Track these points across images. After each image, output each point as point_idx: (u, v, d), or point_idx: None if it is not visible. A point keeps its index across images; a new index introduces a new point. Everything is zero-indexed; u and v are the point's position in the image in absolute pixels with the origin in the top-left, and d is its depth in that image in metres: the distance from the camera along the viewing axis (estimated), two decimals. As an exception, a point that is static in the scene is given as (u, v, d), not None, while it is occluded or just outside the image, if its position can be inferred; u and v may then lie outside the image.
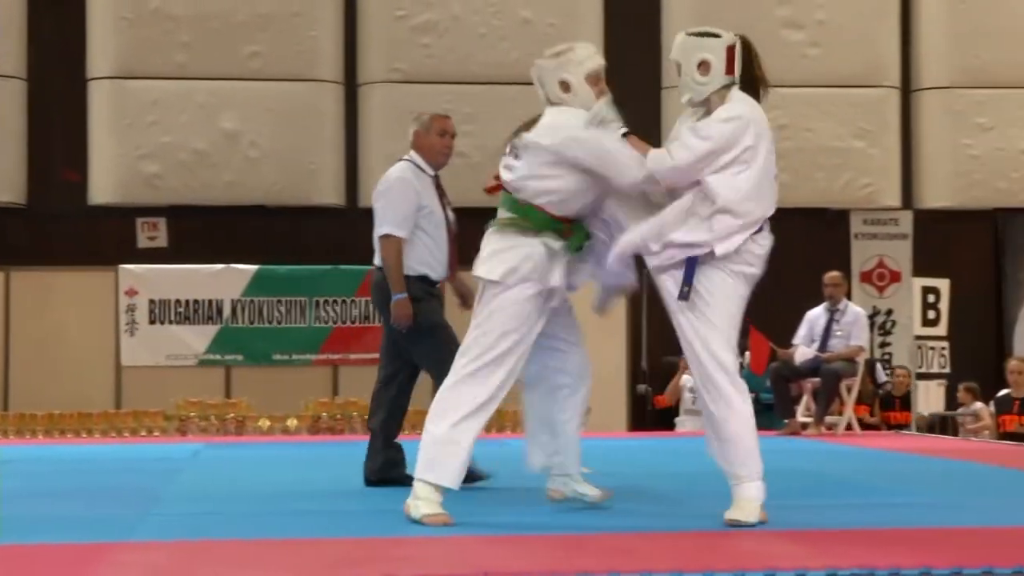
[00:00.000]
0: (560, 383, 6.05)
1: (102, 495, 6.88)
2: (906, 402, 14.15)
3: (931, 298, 15.15)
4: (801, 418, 12.12)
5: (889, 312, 15.96)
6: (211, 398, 13.74)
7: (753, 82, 5.66)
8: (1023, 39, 17.07)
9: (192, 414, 13.34)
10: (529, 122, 5.88)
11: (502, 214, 5.87)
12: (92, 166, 15.95)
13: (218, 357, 14.97)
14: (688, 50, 5.65)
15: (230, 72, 16.12)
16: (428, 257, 7.33)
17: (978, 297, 16.50)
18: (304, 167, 16.24)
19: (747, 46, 5.69)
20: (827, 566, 4.40)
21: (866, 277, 15.95)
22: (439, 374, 6.22)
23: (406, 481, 6.36)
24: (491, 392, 5.64)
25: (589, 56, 5.86)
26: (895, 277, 15.98)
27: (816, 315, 12.08)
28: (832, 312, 12.03)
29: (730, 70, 5.60)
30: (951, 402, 15.39)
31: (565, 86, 5.80)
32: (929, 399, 14.69)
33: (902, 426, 13.77)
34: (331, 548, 4.90)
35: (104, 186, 15.97)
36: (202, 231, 16.04)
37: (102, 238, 15.85)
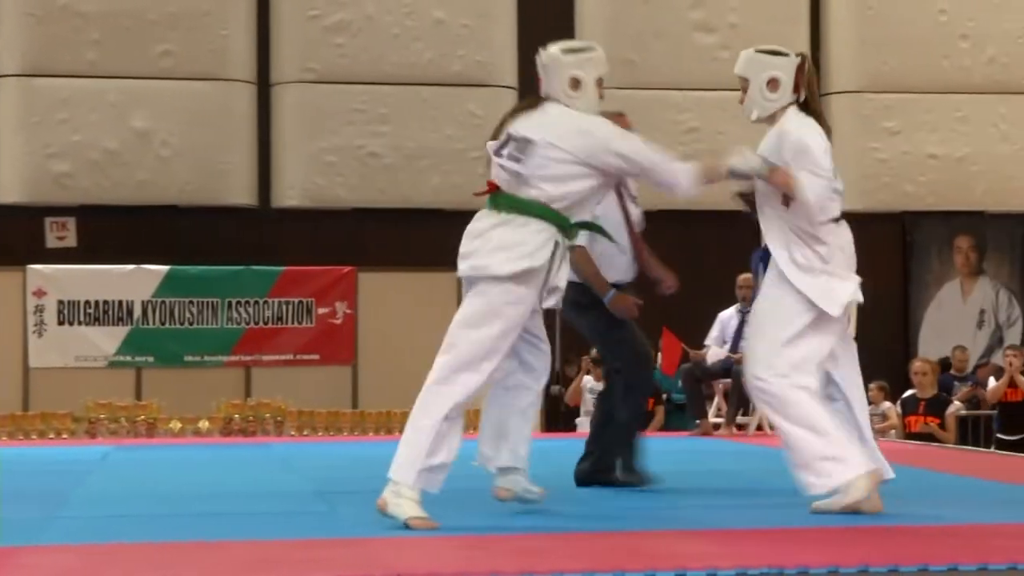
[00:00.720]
0: (522, 382, 5.91)
1: (9, 498, 6.76)
2: None
3: (841, 300, 15.31)
4: (713, 419, 12.19)
5: (800, 314, 16.11)
6: (121, 400, 13.59)
7: (809, 100, 5.90)
8: (928, 46, 17.33)
9: (102, 416, 13.18)
10: (515, 113, 5.77)
11: (502, 209, 5.63)
12: (0, 165, 15.71)
13: (128, 358, 14.81)
14: (757, 66, 5.88)
15: (141, 71, 15.98)
16: (605, 262, 6.99)
17: (886, 299, 16.70)
18: (216, 167, 16.12)
19: (805, 66, 5.86)
20: (737, 565, 4.43)
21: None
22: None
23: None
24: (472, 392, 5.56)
25: (603, 60, 5.92)
26: (805, 279, 16.11)
27: (728, 316, 12.15)
28: (744, 314, 12.07)
29: (797, 89, 5.85)
30: (860, 402, 15.55)
31: (576, 83, 5.77)
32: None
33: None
34: (241, 551, 4.85)
35: (12, 185, 15.75)
36: (112, 231, 15.87)
37: (10, 238, 15.63)
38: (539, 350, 5.95)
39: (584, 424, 13.20)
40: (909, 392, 13.11)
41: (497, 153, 5.70)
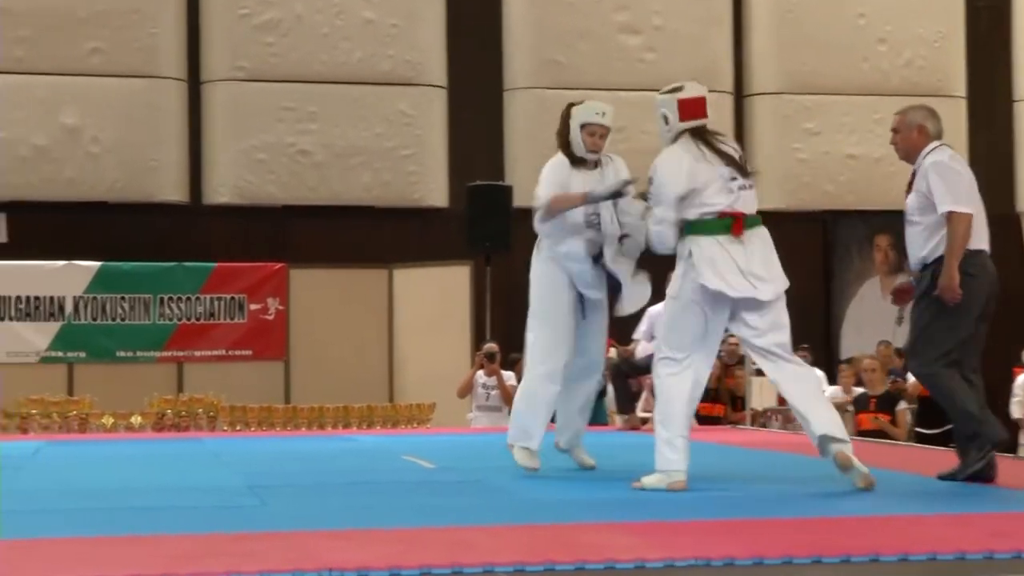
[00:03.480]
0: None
1: (-63, 494, 6.65)
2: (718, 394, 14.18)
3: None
4: (640, 413, 12.21)
5: (726, 311, 16.18)
6: (53, 395, 13.41)
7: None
8: (847, 49, 17.47)
9: (33, 412, 13.00)
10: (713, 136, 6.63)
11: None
12: (-71, 161, 15.50)
13: (60, 354, 14.64)
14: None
15: (71, 67, 15.82)
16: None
17: (808, 297, 16.83)
18: (146, 164, 15.99)
19: None
20: (665, 557, 4.42)
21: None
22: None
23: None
24: None
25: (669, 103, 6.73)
26: (729, 277, 16.18)
27: (657, 312, 12.05)
28: (671, 310, 12.09)
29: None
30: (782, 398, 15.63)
31: (664, 119, 6.68)
32: (763, 395, 14.90)
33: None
34: (172, 544, 4.78)
35: (-58, 182, 15.53)
36: (44, 227, 15.69)
37: (-60, 234, 15.43)
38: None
39: (477, 419, 12.97)
40: (860, 390, 13.14)
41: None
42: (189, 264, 14.98)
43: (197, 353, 14.80)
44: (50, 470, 8.35)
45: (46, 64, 15.77)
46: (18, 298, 14.58)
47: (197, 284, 14.86)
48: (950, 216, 6.59)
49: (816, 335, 17.02)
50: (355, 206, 16.42)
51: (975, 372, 6.75)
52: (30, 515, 5.83)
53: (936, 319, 6.61)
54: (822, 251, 17.53)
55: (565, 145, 7.34)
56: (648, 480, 6.37)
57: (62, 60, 15.79)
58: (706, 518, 5.47)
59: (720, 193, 6.45)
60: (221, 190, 16.29)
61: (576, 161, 7.32)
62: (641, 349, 11.99)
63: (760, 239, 6.58)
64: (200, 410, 13.13)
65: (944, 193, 6.64)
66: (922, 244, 6.75)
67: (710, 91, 6.93)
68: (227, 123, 16.27)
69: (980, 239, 6.72)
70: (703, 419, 12.67)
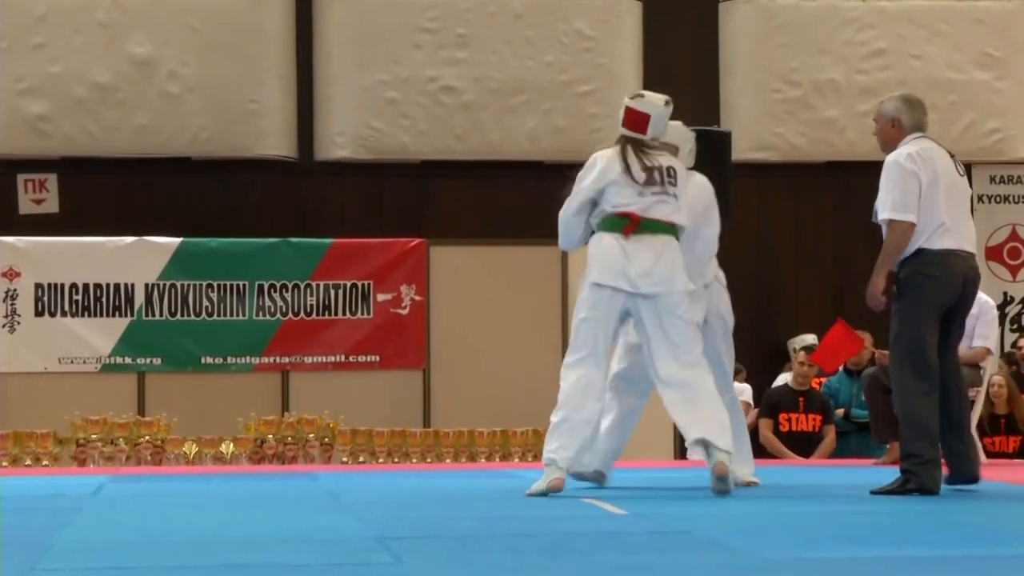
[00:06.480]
0: None
1: (-28, 544, 6.85)
2: (1012, 423, 13.96)
3: (1081, 282, 15.23)
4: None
5: (1025, 301, 15.97)
6: (119, 415, 13.71)
7: None
8: None
9: (93, 436, 13.32)
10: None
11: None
12: (-42, 106, 15.92)
13: (128, 361, 14.91)
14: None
15: (141, -21, 16.09)
16: None
17: None
18: (241, 107, 16.19)
19: None
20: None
21: (994, 253, 15.93)
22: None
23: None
24: None
25: None
26: (1033, 253, 15.97)
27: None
28: (951, 300, 11.96)
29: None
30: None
31: None
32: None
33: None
34: (278, 615, 4.88)
35: (-26, 132, 15.94)
36: (106, 192, 16.01)
37: (-28, 202, 15.85)
38: None
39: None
40: None
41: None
42: (297, 240, 15.18)
43: (307, 360, 14.99)
44: (116, 513, 8.53)
45: (109, -25, 16.11)
46: (73, 287, 14.90)
47: (308, 267, 15.05)
48: (887, 224, 8.58)
49: None
50: (517, 161, 16.48)
51: (952, 374, 8.87)
52: (94, 573, 5.98)
53: (902, 322, 8.61)
54: None
55: None
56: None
57: (129, -31, 16.11)
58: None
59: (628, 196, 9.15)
60: (339, 141, 16.46)
61: None
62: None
63: (660, 243, 9.03)
64: (311, 435, 13.32)
65: (884, 198, 8.59)
66: None
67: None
68: (347, 52, 16.42)
69: (950, 238, 8.60)
70: (992, 454, 12.53)
